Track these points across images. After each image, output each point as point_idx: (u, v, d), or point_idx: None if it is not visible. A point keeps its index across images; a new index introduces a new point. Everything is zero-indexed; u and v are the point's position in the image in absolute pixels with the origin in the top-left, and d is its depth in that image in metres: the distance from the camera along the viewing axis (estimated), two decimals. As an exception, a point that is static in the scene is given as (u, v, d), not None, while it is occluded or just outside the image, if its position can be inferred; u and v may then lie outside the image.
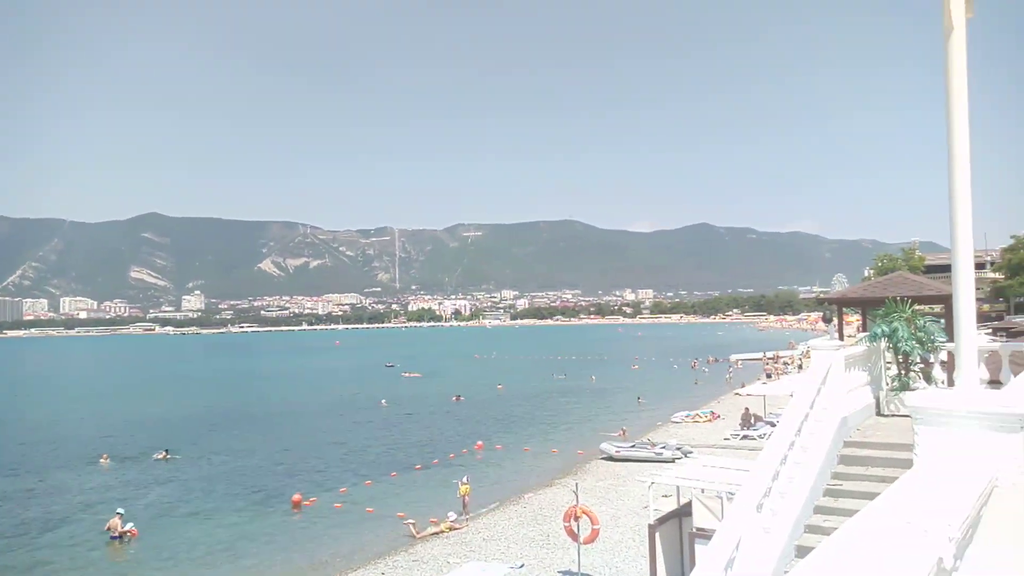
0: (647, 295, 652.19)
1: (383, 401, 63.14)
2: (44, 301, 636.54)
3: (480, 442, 41.35)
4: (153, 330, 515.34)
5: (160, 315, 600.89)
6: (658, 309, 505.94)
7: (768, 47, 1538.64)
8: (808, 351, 13.94)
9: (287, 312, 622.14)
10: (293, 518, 27.58)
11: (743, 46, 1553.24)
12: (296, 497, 29.54)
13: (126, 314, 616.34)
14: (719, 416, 45.98)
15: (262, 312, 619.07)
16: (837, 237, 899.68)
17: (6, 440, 48.30)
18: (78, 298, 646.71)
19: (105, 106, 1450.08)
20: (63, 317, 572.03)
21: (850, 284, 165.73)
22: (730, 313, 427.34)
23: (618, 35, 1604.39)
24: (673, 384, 72.17)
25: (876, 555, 3.43)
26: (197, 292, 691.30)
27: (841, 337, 15.38)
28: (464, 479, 28.18)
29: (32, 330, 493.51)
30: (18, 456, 42.28)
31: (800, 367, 68.93)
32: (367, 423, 52.12)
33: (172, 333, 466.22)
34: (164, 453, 39.83)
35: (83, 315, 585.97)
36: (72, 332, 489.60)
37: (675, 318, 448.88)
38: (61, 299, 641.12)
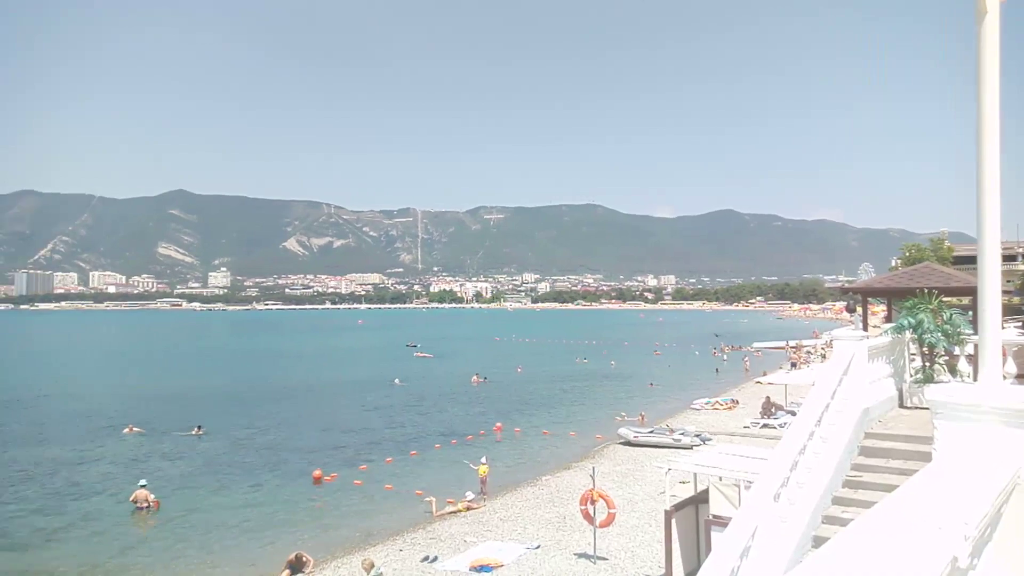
0: (669, 281, 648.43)
1: (397, 380, 63.92)
2: (74, 275, 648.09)
3: (499, 424, 41.52)
4: (180, 306, 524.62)
5: (187, 291, 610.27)
6: (680, 295, 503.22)
7: (798, 31, 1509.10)
8: (831, 341, 13.75)
9: (311, 291, 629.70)
10: (314, 493, 27.96)
11: (774, 30, 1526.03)
12: (317, 473, 29.91)
13: (153, 289, 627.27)
14: (739, 404, 45.57)
15: (286, 290, 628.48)
16: (864, 226, 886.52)
17: (36, 411, 49.50)
18: (107, 272, 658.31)
19: (136, 86, 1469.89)
20: (92, 291, 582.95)
21: (877, 274, 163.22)
22: (753, 301, 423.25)
23: (646, 19, 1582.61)
24: (694, 371, 72.00)
25: (889, 550, 3.33)
26: (223, 269, 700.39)
27: (865, 328, 15.18)
28: (483, 459, 28.39)
29: (63, 303, 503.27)
30: (47, 426, 43.28)
31: (824, 357, 68.17)
32: (387, 402, 52.59)
33: (198, 309, 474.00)
34: (198, 428, 39.98)
35: (112, 289, 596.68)
36: (102, 306, 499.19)
37: (697, 305, 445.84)
38: (91, 273, 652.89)
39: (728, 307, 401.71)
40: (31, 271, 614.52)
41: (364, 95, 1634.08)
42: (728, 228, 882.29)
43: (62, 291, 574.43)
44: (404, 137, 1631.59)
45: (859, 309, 16.88)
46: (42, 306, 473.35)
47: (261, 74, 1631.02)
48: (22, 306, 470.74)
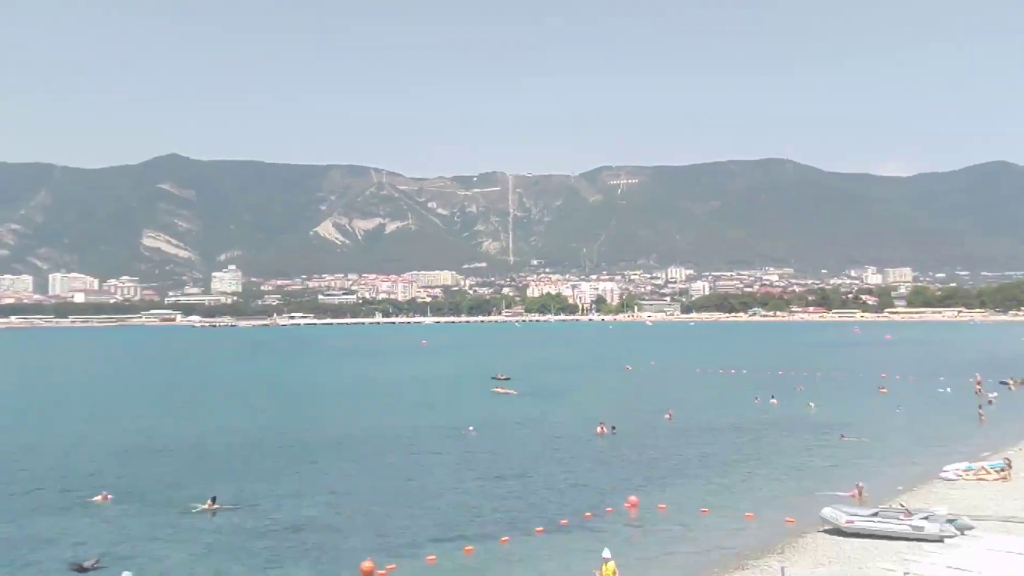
0: (903, 276, 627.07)
1: (471, 428, 65.76)
2: (27, 279, 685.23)
3: (634, 497, 41.21)
4: (173, 320, 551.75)
5: (183, 299, 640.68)
6: (920, 299, 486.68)
7: None
8: None
9: (354, 297, 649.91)
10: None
11: None
12: (367, 565, 30.41)
13: (137, 297, 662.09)
14: (1018, 471, 44.23)
15: (320, 297, 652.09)
16: None
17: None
18: (73, 274, 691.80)
19: (107, 7, 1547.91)
20: (53, 301, 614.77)
21: None
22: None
23: None
24: (943, 419, 70.51)
25: None
26: (232, 267, 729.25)
27: None
28: (606, 554, 28.18)
29: (12, 318, 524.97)
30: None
31: None
32: (461, 461, 53.72)
33: (199, 325, 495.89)
34: (210, 502, 40.66)
35: (79, 298, 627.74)
36: (65, 321, 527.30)
37: (949, 313, 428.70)
38: (50, 276, 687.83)
39: (1002, 317, 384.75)
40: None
41: (429, 7, 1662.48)
42: (1000, 191, 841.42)
43: (11, 301, 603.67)
44: (485, 68, 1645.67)
45: None
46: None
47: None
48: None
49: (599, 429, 64.08)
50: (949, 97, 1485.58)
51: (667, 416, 72.78)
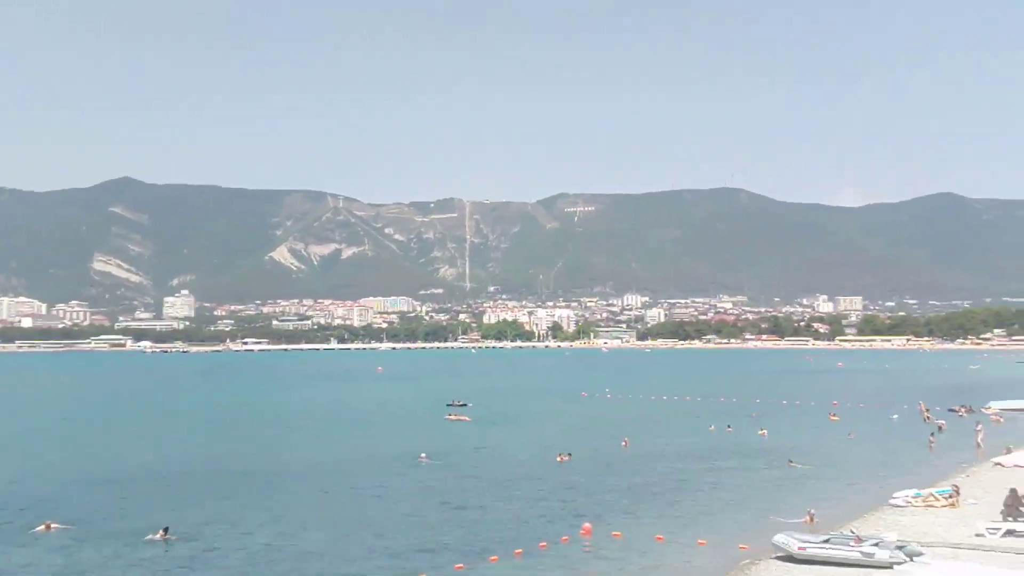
0: (853, 305, 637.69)
1: (423, 456, 65.03)
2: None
3: (588, 524, 41.09)
4: (123, 345, 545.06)
5: (134, 325, 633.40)
6: (871, 327, 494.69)
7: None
8: None
9: (309, 323, 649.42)
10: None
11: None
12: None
13: (86, 322, 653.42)
14: (968, 498, 44.72)
15: (274, 322, 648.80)
16: None
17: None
18: (20, 299, 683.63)
19: (56, 26, 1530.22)
20: (0, 325, 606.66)
21: None
22: (988, 336, 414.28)
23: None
24: (893, 446, 71.26)
25: None
26: (185, 292, 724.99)
27: None
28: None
29: None
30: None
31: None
32: (414, 488, 53.55)
33: (149, 351, 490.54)
34: (162, 532, 39.79)
35: (27, 323, 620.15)
36: (11, 347, 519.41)
37: (898, 341, 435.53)
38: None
39: (949, 345, 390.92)
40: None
41: (386, 29, 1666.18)
42: (948, 222, 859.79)
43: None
44: (445, 92, 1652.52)
45: None
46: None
47: (239, 8, 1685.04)
48: None
49: (559, 458, 63.79)
50: (899, 127, 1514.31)
51: (623, 443, 72.81)
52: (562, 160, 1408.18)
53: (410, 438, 77.28)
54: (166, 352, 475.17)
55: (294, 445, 76.66)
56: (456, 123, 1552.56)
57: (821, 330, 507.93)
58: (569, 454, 64.17)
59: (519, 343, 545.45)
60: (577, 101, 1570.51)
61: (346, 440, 79.45)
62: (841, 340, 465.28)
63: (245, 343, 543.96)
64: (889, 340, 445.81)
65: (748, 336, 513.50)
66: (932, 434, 74.17)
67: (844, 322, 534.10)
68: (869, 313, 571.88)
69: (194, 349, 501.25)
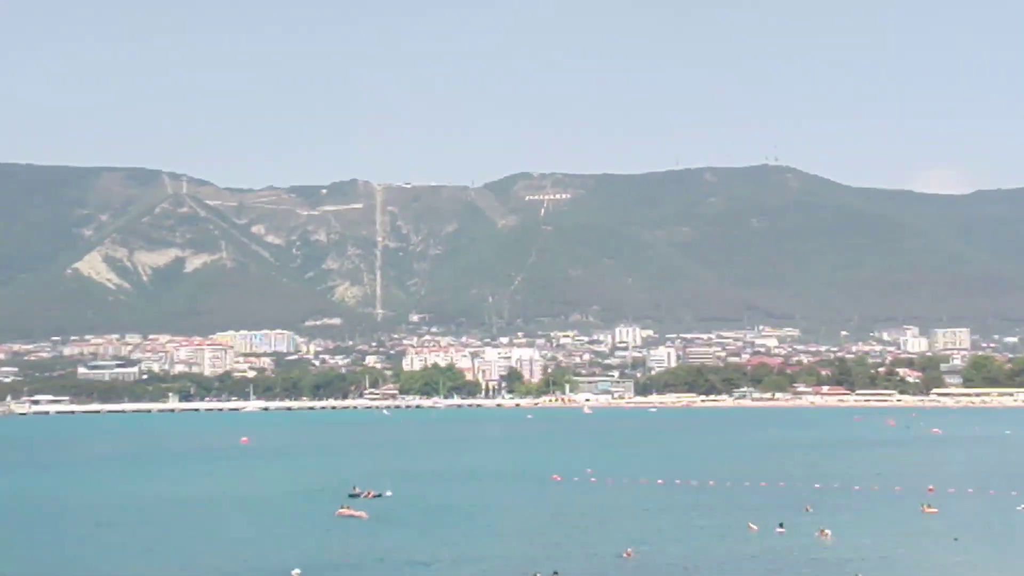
0: (958, 341, 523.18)
1: (296, 573, 52.67)
2: None
3: None
4: None
5: None
6: (983, 375, 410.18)
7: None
8: None
9: (135, 370, 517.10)
10: None
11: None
12: None
13: None
14: None
15: (81, 369, 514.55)
16: None
17: None
18: None
19: None
20: None
21: None
22: None
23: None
24: (1021, 551, 61.09)
25: None
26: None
27: None
28: None
29: None
30: None
31: None
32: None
33: None
34: None
35: None
36: None
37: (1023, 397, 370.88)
38: None
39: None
40: None
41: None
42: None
43: None
44: (339, 21, 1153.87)
45: None
46: None
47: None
48: None
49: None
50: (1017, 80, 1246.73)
51: (625, 554, 60.10)
52: (521, 125, 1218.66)
53: (282, 546, 64.99)
54: None
55: (107, 559, 61.69)
56: (360, 68, 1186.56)
57: (909, 379, 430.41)
58: (555, 573, 51.14)
59: (457, 400, 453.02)
60: (542, 37, 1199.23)
61: (187, 552, 65.03)
62: (939, 394, 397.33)
63: (36, 402, 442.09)
64: (1011, 394, 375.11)
65: (801, 388, 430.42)
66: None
67: (944, 367, 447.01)
68: (980, 354, 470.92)
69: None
